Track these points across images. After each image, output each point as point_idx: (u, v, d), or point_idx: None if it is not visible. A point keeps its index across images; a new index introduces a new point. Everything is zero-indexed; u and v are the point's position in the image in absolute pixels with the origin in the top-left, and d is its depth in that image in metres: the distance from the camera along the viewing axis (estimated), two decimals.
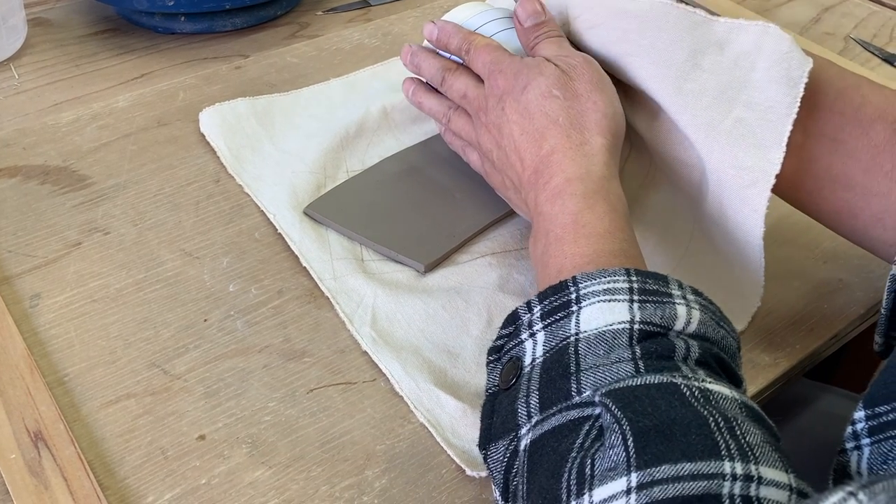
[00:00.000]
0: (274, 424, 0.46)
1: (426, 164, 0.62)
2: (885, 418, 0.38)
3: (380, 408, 0.47)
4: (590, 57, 0.52)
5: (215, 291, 0.53)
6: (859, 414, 0.39)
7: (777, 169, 0.47)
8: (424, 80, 0.61)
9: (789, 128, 0.47)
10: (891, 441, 0.38)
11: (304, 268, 0.54)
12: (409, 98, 0.61)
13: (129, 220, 0.57)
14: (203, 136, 0.64)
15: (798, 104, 0.47)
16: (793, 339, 0.53)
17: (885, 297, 0.48)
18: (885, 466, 0.38)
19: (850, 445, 0.40)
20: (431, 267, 0.55)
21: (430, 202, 0.59)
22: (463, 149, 0.59)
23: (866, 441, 0.39)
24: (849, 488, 0.26)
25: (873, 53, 0.82)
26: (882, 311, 0.49)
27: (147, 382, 0.47)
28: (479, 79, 0.55)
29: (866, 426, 0.39)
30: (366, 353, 0.50)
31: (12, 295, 0.51)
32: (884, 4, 0.90)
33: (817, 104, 0.48)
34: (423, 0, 0.85)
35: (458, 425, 0.46)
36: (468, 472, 0.44)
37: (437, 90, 0.59)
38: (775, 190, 0.51)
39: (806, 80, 0.47)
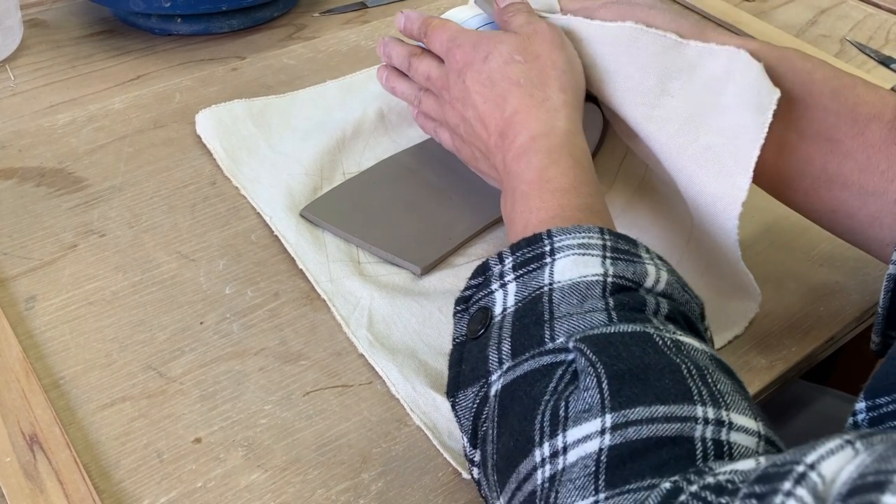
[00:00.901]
0: (270, 427, 0.46)
1: (422, 166, 0.62)
2: (885, 409, 0.38)
3: (376, 411, 0.47)
4: (553, 24, 0.53)
5: (211, 294, 0.53)
6: (860, 405, 0.39)
7: (744, 196, 0.47)
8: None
9: (756, 153, 0.46)
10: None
11: (301, 270, 0.54)
12: (384, 84, 0.62)
13: (125, 223, 0.57)
14: (199, 137, 0.64)
15: (766, 131, 0.46)
16: (789, 342, 0.53)
17: (881, 296, 0.48)
18: (879, 429, 0.38)
19: None
20: (428, 269, 0.55)
21: (426, 205, 0.59)
22: (435, 130, 0.60)
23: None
24: (846, 437, 0.27)
25: (869, 56, 0.82)
26: (879, 310, 0.49)
27: (143, 385, 0.47)
28: (442, 60, 0.56)
29: (867, 417, 0.39)
30: (362, 355, 0.50)
31: (8, 297, 0.51)
32: (880, 7, 0.90)
33: (812, 105, 0.48)
34: (420, 2, 0.85)
35: (455, 428, 0.46)
36: (465, 475, 0.44)
37: (406, 76, 0.61)
38: (772, 191, 0.52)
39: (774, 107, 0.46)
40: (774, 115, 0.46)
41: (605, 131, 0.60)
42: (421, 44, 0.59)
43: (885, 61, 0.81)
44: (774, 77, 0.48)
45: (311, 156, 0.62)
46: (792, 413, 0.66)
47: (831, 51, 0.82)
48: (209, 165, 0.62)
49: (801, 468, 0.26)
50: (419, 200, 0.60)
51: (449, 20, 0.57)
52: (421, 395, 0.47)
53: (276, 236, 0.56)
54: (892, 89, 0.52)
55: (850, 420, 0.40)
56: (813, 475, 0.26)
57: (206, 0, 0.73)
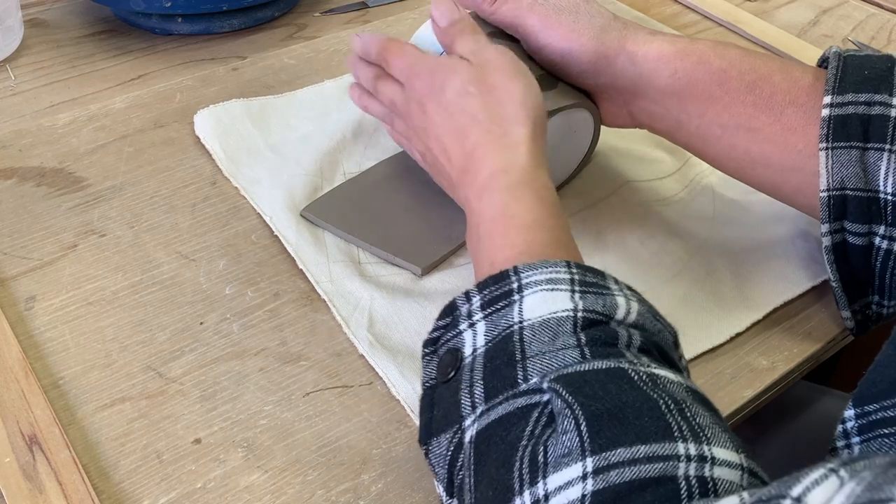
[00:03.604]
0: (270, 428, 0.46)
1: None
2: (874, 417, 0.38)
3: (376, 411, 0.47)
4: (503, 47, 0.52)
5: (211, 294, 0.52)
6: (849, 413, 0.39)
7: None
8: None
9: None
10: (879, 439, 0.38)
11: (301, 270, 0.54)
12: (356, 103, 0.60)
13: (126, 223, 0.57)
14: (199, 137, 0.64)
15: None
16: (790, 343, 0.53)
17: (829, 270, 0.52)
18: (863, 454, 0.38)
19: (840, 444, 0.40)
20: (428, 270, 0.55)
21: (427, 205, 0.59)
22: (409, 149, 0.58)
23: (856, 440, 0.39)
24: (830, 465, 0.26)
25: None
26: (832, 284, 0.52)
27: (142, 386, 0.47)
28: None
29: (856, 425, 0.39)
30: (362, 356, 0.50)
31: (7, 297, 0.51)
32: (882, 7, 0.90)
33: (730, 101, 0.52)
34: (420, 1, 0.85)
35: None
36: None
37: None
38: (712, 165, 0.57)
39: None
40: (698, 116, 0.53)
41: (596, 137, 0.60)
42: None
43: None
44: (693, 80, 0.53)
45: (311, 156, 0.62)
46: (793, 414, 0.66)
47: None
48: (209, 165, 0.62)
49: (787, 502, 0.25)
50: (420, 201, 0.59)
51: (406, 44, 0.55)
52: None
53: (276, 236, 0.56)
54: (819, 65, 0.54)
55: (840, 428, 0.40)
56: None
57: (206, 0, 0.73)
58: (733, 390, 0.50)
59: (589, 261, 0.55)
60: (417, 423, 0.46)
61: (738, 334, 0.53)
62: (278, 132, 0.65)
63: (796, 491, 0.26)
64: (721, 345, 0.52)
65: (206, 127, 0.64)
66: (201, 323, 0.51)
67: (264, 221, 0.57)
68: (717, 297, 0.55)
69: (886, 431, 0.38)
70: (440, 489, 0.39)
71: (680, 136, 0.56)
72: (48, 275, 0.53)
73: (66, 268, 0.53)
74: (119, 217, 0.57)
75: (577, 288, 0.39)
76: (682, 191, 0.63)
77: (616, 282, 0.41)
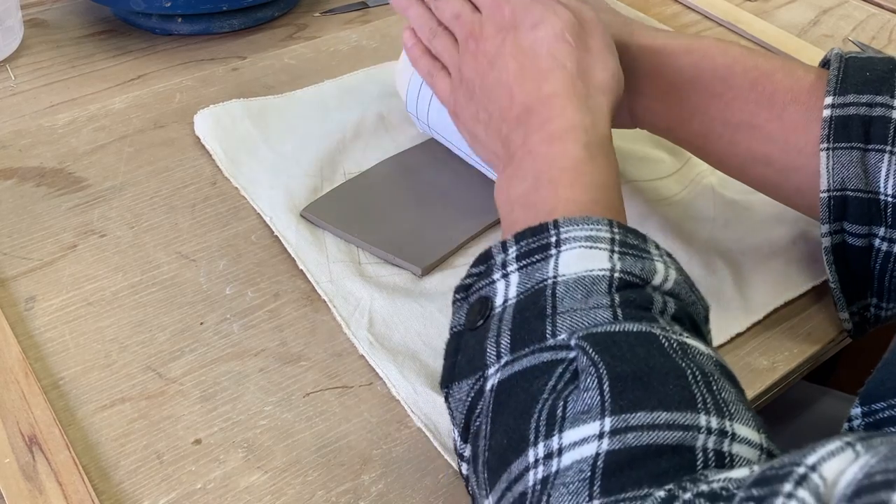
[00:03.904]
0: (270, 429, 0.46)
1: (423, 166, 0.62)
2: (881, 415, 0.38)
3: (376, 412, 0.47)
4: (597, 13, 0.51)
5: (211, 294, 0.52)
6: (856, 410, 0.39)
7: None
8: None
9: None
10: None
11: (301, 271, 0.54)
12: (395, 2, 0.57)
13: (125, 223, 0.57)
14: (199, 137, 0.64)
15: None
16: (791, 343, 0.53)
17: (828, 271, 0.52)
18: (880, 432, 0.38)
19: None
20: (428, 270, 0.55)
21: (427, 205, 0.59)
22: (431, 72, 0.56)
23: None
24: (846, 439, 0.26)
25: None
26: (831, 285, 0.52)
27: (142, 386, 0.47)
28: (475, 7, 0.52)
29: (862, 423, 0.39)
30: (363, 356, 0.50)
31: (7, 298, 0.51)
32: (882, 7, 0.90)
33: (733, 97, 0.52)
34: None
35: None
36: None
37: (425, 2, 0.56)
38: (712, 165, 0.57)
39: None
40: (701, 112, 0.53)
41: None
42: None
43: None
44: (697, 75, 0.53)
45: (311, 156, 0.62)
46: (794, 414, 0.66)
47: None
48: (209, 165, 0.62)
49: (801, 469, 0.25)
50: (420, 201, 0.59)
51: None
52: (421, 397, 0.47)
53: (276, 237, 0.56)
54: (822, 66, 0.54)
55: (846, 426, 0.39)
56: (814, 476, 0.25)
57: (206, 0, 0.73)
58: None
59: None
60: (417, 423, 0.46)
61: (739, 334, 0.53)
62: (278, 132, 0.65)
63: (811, 459, 0.26)
64: (721, 345, 0.52)
65: (206, 127, 0.64)
66: (201, 323, 0.51)
67: (264, 222, 0.57)
68: (717, 297, 0.55)
69: (894, 430, 0.37)
70: (455, 433, 0.40)
71: (681, 134, 0.56)
72: (48, 275, 0.53)
73: (65, 268, 0.53)
74: (119, 217, 0.57)
75: (616, 248, 0.38)
76: (682, 191, 0.63)
77: (657, 247, 0.40)
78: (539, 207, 0.43)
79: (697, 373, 0.33)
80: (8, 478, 0.42)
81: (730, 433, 0.32)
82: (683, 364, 0.34)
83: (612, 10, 0.56)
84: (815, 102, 0.50)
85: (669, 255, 0.41)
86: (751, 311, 0.54)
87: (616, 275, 0.37)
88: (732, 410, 0.33)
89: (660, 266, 0.39)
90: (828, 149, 0.49)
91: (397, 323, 0.51)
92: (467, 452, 0.39)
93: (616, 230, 0.39)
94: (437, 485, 0.44)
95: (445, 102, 0.55)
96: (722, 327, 0.53)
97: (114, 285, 0.52)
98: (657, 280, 0.38)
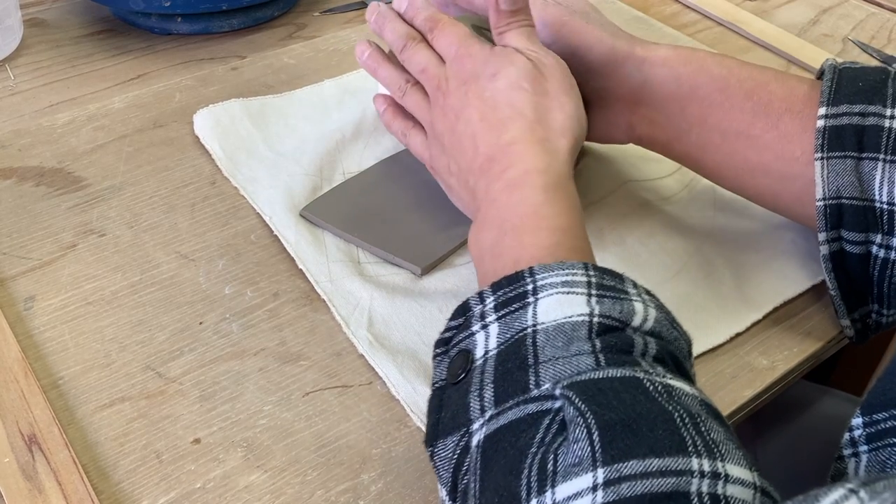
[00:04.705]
0: (269, 428, 0.46)
1: (423, 166, 0.62)
2: (882, 426, 0.38)
3: (376, 411, 0.47)
4: (560, 58, 0.52)
5: (211, 294, 0.52)
6: (857, 421, 0.39)
7: None
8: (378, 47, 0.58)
9: None
10: (889, 448, 0.38)
11: (301, 270, 0.54)
12: (363, 61, 0.58)
13: (125, 223, 0.57)
14: (199, 137, 0.64)
15: None
16: (790, 343, 0.53)
17: (827, 279, 0.52)
18: (883, 474, 0.37)
19: (847, 452, 0.39)
20: (428, 269, 0.55)
21: (426, 204, 0.59)
22: (404, 131, 0.57)
23: (864, 448, 0.39)
24: (849, 485, 0.26)
25: (871, 55, 0.82)
26: (831, 293, 0.52)
27: (142, 386, 0.47)
28: (441, 58, 0.53)
29: (864, 433, 0.39)
30: (362, 356, 0.50)
31: (6, 297, 0.51)
32: (882, 6, 0.90)
33: (730, 107, 0.53)
34: None
35: None
36: None
37: (392, 60, 0.57)
38: (710, 178, 0.58)
39: None
40: (699, 123, 0.54)
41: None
42: None
43: (887, 60, 0.80)
44: (695, 85, 0.54)
45: (310, 156, 0.62)
46: (794, 413, 0.66)
47: (833, 50, 0.82)
48: (209, 165, 0.62)
49: None
50: (419, 200, 0.59)
51: (458, 21, 0.54)
52: (421, 396, 0.47)
53: (275, 236, 0.56)
54: (817, 78, 0.54)
55: (847, 436, 0.39)
56: None
57: (205, 0, 0.73)
58: (733, 390, 0.50)
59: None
60: (417, 422, 0.46)
61: (738, 334, 0.53)
62: (278, 132, 0.65)
63: None
64: (721, 345, 0.52)
65: (206, 127, 0.64)
66: (201, 323, 0.51)
67: (264, 221, 0.57)
68: (717, 296, 0.55)
69: (895, 441, 0.37)
70: (443, 493, 0.38)
71: (680, 147, 0.56)
72: (47, 275, 0.53)
73: (65, 268, 0.53)
74: (118, 217, 0.57)
75: (594, 291, 0.38)
76: (682, 190, 0.63)
77: (635, 285, 0.40)
78: (506, 256, 0.44)
79: (685, 415, 0.33)
80: (7, 477, 0.42)
81: (723, 475, 0.31)
82: (670, 407, 0.33)
83: (613, 24, 0.57)
84: (809, 112, 0.51)
85: (648, 293, 0.40)
86: (751, 311, 0.54)
87: (595, 319, 0.37)
88: (723, 451, 0.32)
89: (639, 306, 0.38)
90: (822, 158, 0.49)
91: (397, 322, 0.51)
92: None
93: (592, 273, 0.39)
94: (437, 484, 0.44)
95: (421, 157, 0.57)
96: (722, 327, 0.53)
97: (113, 285, 0.52)
98: (637, 321, 0.38)
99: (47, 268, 0.53)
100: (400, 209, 0.59)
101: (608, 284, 0.39)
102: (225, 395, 0.47)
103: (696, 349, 0.51)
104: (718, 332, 0.52)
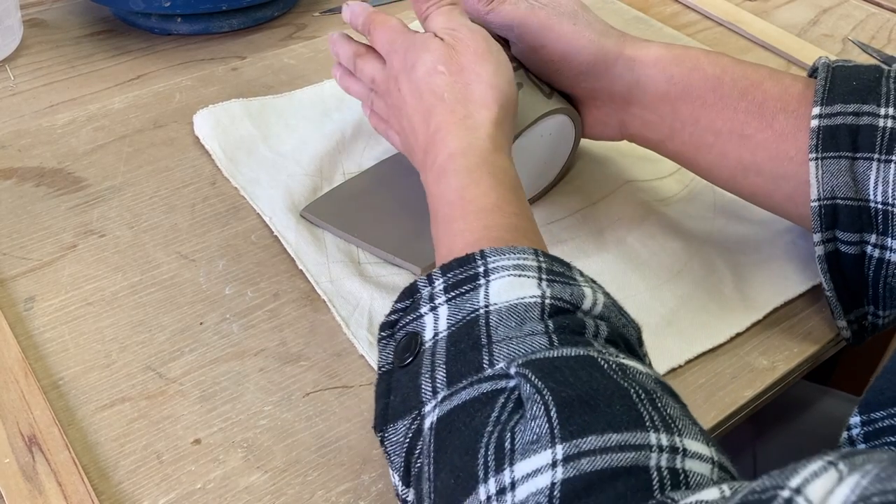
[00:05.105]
0: (270, 428, 0.46)
1: None
2: (880, 424, 0.38)
3: None
4: (477, 26, 0.51)
5: (211, 294, 0.52)
6: (855, 419, 0.39)
7: None
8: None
9: None
10: (886, 447, 0.38)
11: (301, 271, 0.54)
12: (338, 83, 0.60)
13: (125, 223, 0.57)
14: (199, 137, 0.64)
15: None
16: (790, 343, 0.53)
17: (823, 280, 0.52)
18: (862, 448, 0.38)
19: None
20: (428, 269, 0.55)
21: (426, 205, 0.59)
22: (386, 132, 0.58)
23: (862, 447, 0.39)
24: (828, 458, 0.25)
25: (871, 55, 0.82)
26: (827, 294, 0.52)
27: (142, 386, 0.47)
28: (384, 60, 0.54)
29: (861, 432, 0.39)
30: (362, 356, 0.50)
31: (7, 298, 0.51)
32: (882, 6, 0.90)
33: (724, 107, 0.53)
34: None
35: None
36: None
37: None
38: (703, 177, 0.57)
39: None
40: (692, 122, 0.54)
41: (577, 143, 0.60)
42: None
43: (887, 61, 0.80)
44: (688, 85, 0.53)
45: (310, 156, 0.62)
46: (794, 413, 0.66)
47: (833, 50, 0.82)
48: (209, 165, 0.62)
49: (785, 493, 0.25)
50: (419, 200, 0.59)
51: (391, 18, 0.54)
52: None
53: (275, 237, 0.56)
54: (810, 75, 0.54)
55: (845, 434, 0.39)
56: (799, 500, 0.24)
57: (206, 0, 0.73)
58: (733, 390, 0.50)
59: (589, 261, 0.56)
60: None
61: (738, 334, 0.53)
62: (278, 132, 0.65)
63: (794, 482, 0.25)
64: (721, 345, 0.52)
65: (206, 127, 0.64)
66: (201, 323, 0.51)
67: (264, 221, 0.57)
68: (717, 297, 0.55)
69: (893, 439, 0.37)
70: (395, 479, 0.38)
71: (672, 146, 0.56)
72: (47, 275, 0.53)
73: (65, 268, 0.53)
74: (118, 217, 0.57)
75: (544, 276, 0.38)
76: (682, 191, 0.63)
77: (581, 274, 0.40)
78: (441, 245, 0.44)
79: (641, 391, 0.33)
80: (8, 478, 0.42)
81: (681, 449, 0.31)
82: (626, 384, 0.33)
83: (602, 22, 0.56)
84: (803, 111, 0.51)
85: (594, 282, 0.41)
86: (751, 311, 0.54)
87: (547, 301, 0.37)
88: (680, 426, 0.32)
89: (588, 291, 0.38)
90: (816, 158, 0.49)
91: None
92: (410, 497, 0.37)
93: (541, 259, 0.39)
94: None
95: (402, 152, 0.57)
96: (722, 327, 0.53)
97: (113, 285, 0.52)
98: (586, 304, 0.38)
99: (47, 268, 0.53)
100: (400, 209, 0.59)
101: (557, 270, 0.39)
102: (225, 395, 0.47)
103: (696, 349, 0.51)
104: (719, 332, 0.52)
